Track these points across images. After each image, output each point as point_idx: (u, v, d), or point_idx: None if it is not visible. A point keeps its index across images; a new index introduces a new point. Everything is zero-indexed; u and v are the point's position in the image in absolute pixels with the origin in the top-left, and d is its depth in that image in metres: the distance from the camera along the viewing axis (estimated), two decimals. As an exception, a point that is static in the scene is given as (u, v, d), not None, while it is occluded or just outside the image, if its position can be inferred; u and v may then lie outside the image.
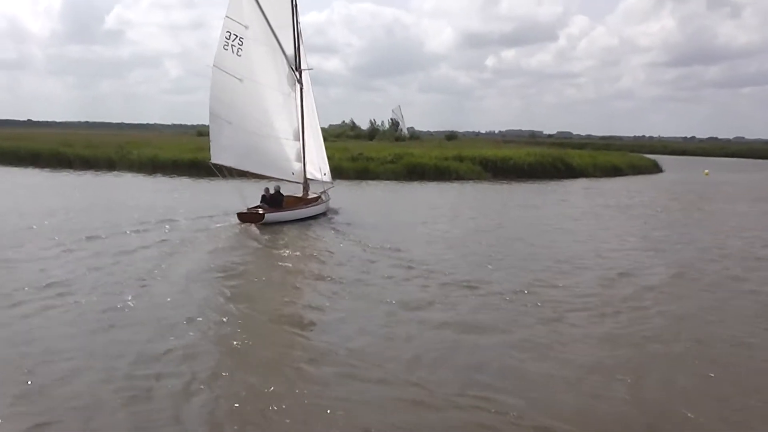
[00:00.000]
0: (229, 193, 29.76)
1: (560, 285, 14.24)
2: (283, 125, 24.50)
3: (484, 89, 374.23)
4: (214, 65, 22.64)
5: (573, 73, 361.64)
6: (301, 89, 24.90)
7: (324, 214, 25.16)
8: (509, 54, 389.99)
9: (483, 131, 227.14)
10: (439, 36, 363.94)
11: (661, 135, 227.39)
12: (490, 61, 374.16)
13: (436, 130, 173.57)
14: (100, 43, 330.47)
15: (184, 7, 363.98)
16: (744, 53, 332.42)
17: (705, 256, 18.09)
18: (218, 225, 21.33)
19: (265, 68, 23.84)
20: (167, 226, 20.66)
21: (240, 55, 22.98)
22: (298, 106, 24.71)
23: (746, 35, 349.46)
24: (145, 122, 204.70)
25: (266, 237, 19.82)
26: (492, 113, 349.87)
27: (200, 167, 42.79)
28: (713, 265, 16.86)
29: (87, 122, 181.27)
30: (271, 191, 24.14)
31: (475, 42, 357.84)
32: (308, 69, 25.50)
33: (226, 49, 22.78)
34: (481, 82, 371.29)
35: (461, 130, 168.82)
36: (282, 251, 17.99)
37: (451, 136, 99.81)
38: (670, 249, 19.24)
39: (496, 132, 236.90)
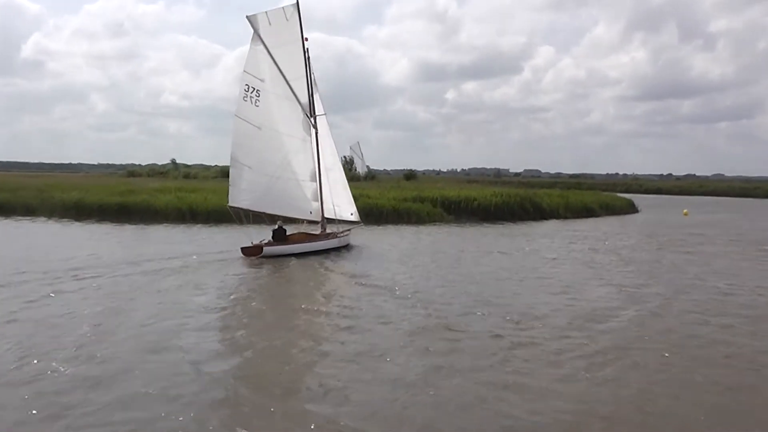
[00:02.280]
0: (159, 241, 31.97)
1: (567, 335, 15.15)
2: (300, 168, 28.92)
3: (444, 125, 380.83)
4: (235, 115, 27.30)
5: (539, 107, 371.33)
6: (317, 133, 29.44)
7: (337, 249, 29.26)
8: (470, 87, 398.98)
9: (444, 170, 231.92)
10: (395, 68, 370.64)
11: (636, 172, 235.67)
12: (450, 95, 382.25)
13: (393, 168, 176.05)
14: (18, 76, 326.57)
15: (111, 36, 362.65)
16: (719, 87, 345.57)
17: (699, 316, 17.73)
18: (157, 270, 22.74)
19: (282, 116, 28.40)
20: (100, 276, 21.40)
21: (258, 106, 27.62)
22: (314, 150, 29.23)
23: (720, 68, 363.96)
24: (69, 162, 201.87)
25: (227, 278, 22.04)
26: (454, 150, 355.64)
27: (131, 212, 42.30)
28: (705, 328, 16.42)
29: (4, 162, 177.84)
30: (280, 226, 28.60)
31: (434, 74, 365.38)
32: (322, 114, 30.04)
33: (246, 100, 27.45)
34: (440, 117, 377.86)
35: (421, 168, 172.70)
36: (260, 287, 20.45)
37: (409, 176, 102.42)
38: (656, 301, 19.58)
39: (459, 171, 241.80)
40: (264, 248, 26.99)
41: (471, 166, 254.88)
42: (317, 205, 29.67)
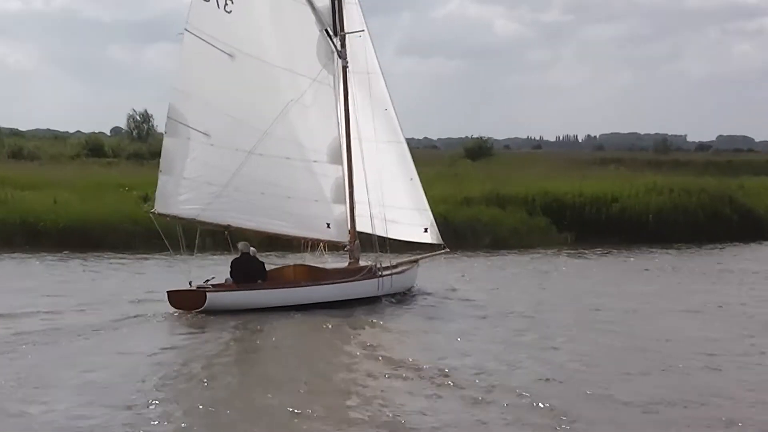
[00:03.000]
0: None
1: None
2: (310, 137, 29.84)
3: (547, 46, 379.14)
4: (186, 29, 28.20)
5: (744, 7, 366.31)
6: (346, 70, 30.64)
7: (377, 299, 30.60)
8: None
9: (549, 138, 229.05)
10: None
11: None
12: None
13: (444, 137, 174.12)
14: None
15: None
16: None
17: None
18: None
19: (278, 34, 29.28)
20: None
21: (230, 12, 28.21)
22: (339, 101, 30.25)
23: None
24: None
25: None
26: (567, 99, 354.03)
27: None
28: None
29: None
30: (245, 253, 29.78)
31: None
32: (359, 31, 31.07)
33: (208, 0, 28.19)
34: (539, 30, 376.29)
35: (500, 136, 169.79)
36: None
37: (477, 150, 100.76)
38: None
39: (581, 140, 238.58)
40: (208, 296, 28.13)
41: (605, 131, 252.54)
42: (341, 211, 30.73)
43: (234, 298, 28.30)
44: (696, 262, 43.18)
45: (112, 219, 39.14)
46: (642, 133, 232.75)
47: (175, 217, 28.56)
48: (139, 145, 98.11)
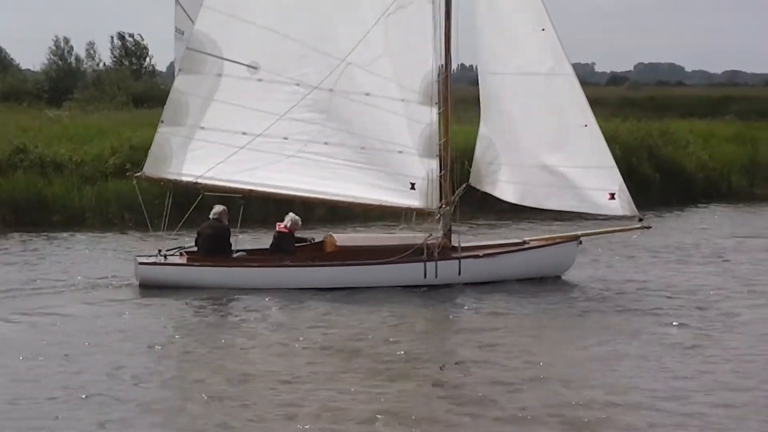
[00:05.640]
0: None
1: None
2: (399, 70, 27.94)
3: None
4: None
5: None
6: None
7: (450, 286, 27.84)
8: None
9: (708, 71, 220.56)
10: None
11: None
12: None
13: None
14: None
15: None
16: None
17: None
18: None
19: None
20: None
21: None
22: (438, 17, 27.96)
23: None
24: None
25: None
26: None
27: None
28: None
29: None
30: (213, 220, 28.59)
31: None
32: None
33: None
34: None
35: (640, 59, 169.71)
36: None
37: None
38: None
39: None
40: (140, 269, 27.05)
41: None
42: (433, 168, 28.41)
43: (178, 274, 26.74)
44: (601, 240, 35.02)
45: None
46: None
47: (169, 182, 27.32)
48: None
